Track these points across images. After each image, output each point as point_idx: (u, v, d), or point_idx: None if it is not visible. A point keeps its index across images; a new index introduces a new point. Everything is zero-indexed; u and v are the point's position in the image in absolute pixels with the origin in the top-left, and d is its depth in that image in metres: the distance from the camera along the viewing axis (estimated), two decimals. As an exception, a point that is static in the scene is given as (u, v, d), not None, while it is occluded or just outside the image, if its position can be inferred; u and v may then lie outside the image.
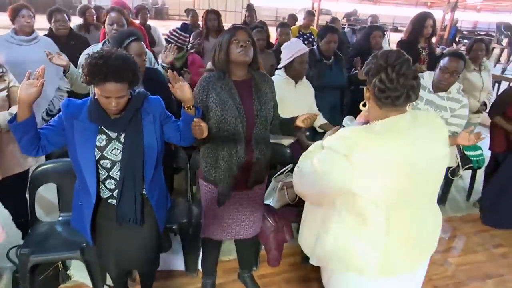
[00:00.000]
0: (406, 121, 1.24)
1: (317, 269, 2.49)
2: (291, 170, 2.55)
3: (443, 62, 2.41)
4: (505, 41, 7.63)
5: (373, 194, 1.23)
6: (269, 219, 2.30)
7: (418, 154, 1.23)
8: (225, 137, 1.79)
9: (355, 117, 1.55)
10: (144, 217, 1.69)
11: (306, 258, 2.55)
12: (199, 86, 1.81)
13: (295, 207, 2.46)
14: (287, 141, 2.71)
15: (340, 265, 1.37)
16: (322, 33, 3.16)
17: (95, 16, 4.69)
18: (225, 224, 1.97)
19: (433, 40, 3.93)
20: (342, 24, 8.01)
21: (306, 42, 5.08)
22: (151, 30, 4.87)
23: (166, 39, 3.14)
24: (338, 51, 3.29)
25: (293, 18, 6.41)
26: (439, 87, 2.46)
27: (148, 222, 1.73)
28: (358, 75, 3.27)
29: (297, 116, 1.92)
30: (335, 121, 3.05)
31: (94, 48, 2.66)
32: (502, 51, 7.29)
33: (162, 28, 4.81)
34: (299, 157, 2.71)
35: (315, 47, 3.24)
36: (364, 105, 1.36)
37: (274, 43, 4.58)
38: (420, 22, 3.57)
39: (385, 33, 3.97)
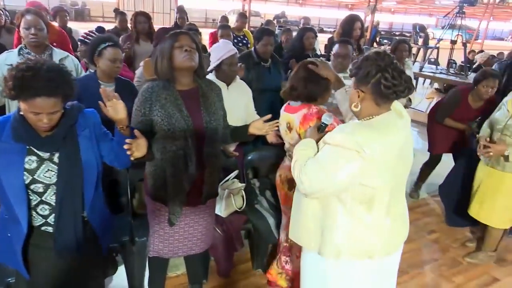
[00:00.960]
0: (396, 117, 1.41)
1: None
2: (237, 177, 2.49)
3: (335, 49, 2.69)
4: (420, 41, 8.39)
5: (380, 182, 1.38)
6: (217, 230, 2.22)
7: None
8: (174, 152, 1.67)
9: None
10: (86, 242, 1.52)
11: (257, 265, 2.54)
12: (141, 98, 1.66)
13: (243, 214, 2.41)
14: (230, 147, 2.65)
15: (352, 255, 1.45)
16: (258, 35, 3.15)
17: (7, 19, 4.21)
18: (177, 242, 1.85)
19: (362, 41, 4.13)
20: (274, 26, 8.15)
21: (240, 44, 5.06)
22: (73, 33, 4.51)
23: (81, 40, 2.90)
24: (274, 54, 3.31)
25: (225, 20, 6.36)
26: (336, 71, 2.62)
27: (90, 247, 1.56)
28: None
29: (250, 123, 1.87)
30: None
31: (9, 55, 2.37)
32: (418, 50, 8.02)
33: (84, 31, 4.47)
34: (242, 163, 2.69)
35: (252, 50, 3.22)
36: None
37: (208, 46, 4.48)
38: (349, 25, 3.72)
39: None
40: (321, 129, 1.61)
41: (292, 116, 1.92)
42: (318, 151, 1.47)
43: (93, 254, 1.60)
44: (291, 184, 1.97)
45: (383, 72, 1.32)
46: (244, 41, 5.12)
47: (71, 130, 1.43)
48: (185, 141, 1.65)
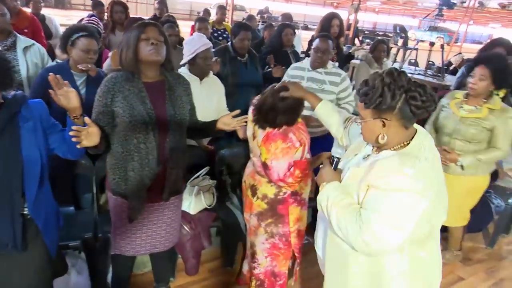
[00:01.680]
0: (420, 130, 1.27)
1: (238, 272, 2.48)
2: (207, 173, 2.45)
3: (315, 43, 2.64)
4: (400, 42, 8.47)
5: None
6: (185, 227, 2.18)
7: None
8: (135, 145, 1.61)
9: None
10: (28, 242, 1.43)
11: (226, 262, 2.51)
12: (103, 88, 1.60)
13: (212, 211, 2.37)
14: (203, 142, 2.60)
15: None
16: (235, 30, 3.10)
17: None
18: (139, 239, 1.79)
19: (342, 40, 4.14)
20: (257, 21, 8.10)
21: (220, 38, 5.00)
22: (46, 20, 4.34)
23: None
24: (252, 49, 3.27)
25: (208, 13, 6.27)
26: (316, 66, 2.67)
27: (34, 247, 1.47)
28: (273, 73, 3.29)
29: (218, 119, 1.83)
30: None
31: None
32: (398, 50, 8.09)
33: (64, 19, 4.31)
34: (214, 158, 2.64)
35: (229, 44, 3.17)
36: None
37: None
38: (328, 22, 3.75)
39: (296, 31, 4.07)
40: (335, 165, 1.43)
41: (257, 127, 1.82)
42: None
43: (38, 253, 1.51)
44: (254, 191, 1.95)
45: (409, 92, 1.18)
46: (225, 35, 5.06)
47: (12, 122, 1.34)
48: (147, 134, 1.60)
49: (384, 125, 1.21)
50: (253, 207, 1.96)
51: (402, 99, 1.18)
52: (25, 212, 1.42)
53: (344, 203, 1.24)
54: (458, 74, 3.62)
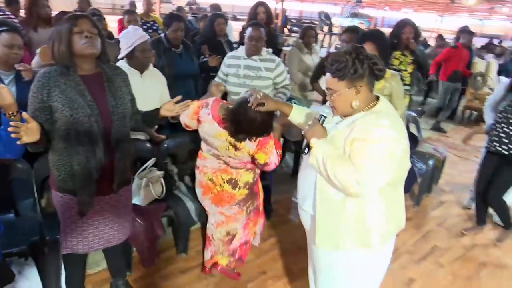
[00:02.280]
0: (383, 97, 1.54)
1: (195, 258, 2.55)
2: (155, 165, 2.46)
3: (248, 32, 2.74)
4: (326, 28, 8.95)
5: (408, 162, 1.52)
6: (137, 219, 2.18)
7: None
8: (79, 139, 1.58)
9: None
10: None
11: (181, 249, 2.55)
12: (37, 84, 1.55)
13: (163, 201, 2.40)
14: (144, 136, 2.60)
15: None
16: (168, 21, 3.10)
17: None
18: (91, 235, 1.78)
19: (272, 26, 4.28)
20: (186, 13, 8.02)
21: (150, 30, 4.91)
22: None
23: None
24: (186, 40, 3.29)
25: (134, 5, 6.08)
26: (250, 53, 2.80)
27: None
28: (209, 62, 3.34)
29: (161, 106, 1.86)
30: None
31: None
32: (324, 36, 8.54)
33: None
34: (158, 149, 2.64)
35: (162, 35, 3.16)
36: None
37: (117, 33, 4.27)
38: (253, 10, 3.87)
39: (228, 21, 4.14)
40: (322, 122, 1.56)
41: None
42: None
43: None
44: (234, 183, 2.09)
45: (372, 60, 1.44)
46: (154, 27, 4.98)
47: None
48: (90, 127, 1.58)
49: (357, 92, 1.45)
50: (234, 198, 2.12)
51: (368, 67, 1.43)
52: None
53: (337, 154, 1.45)
54: None
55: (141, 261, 2.34)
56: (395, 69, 3.77)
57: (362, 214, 1.50)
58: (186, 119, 2.03)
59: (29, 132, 1.37)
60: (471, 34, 5.71)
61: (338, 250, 1.57)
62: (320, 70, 3.65)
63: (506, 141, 2.78)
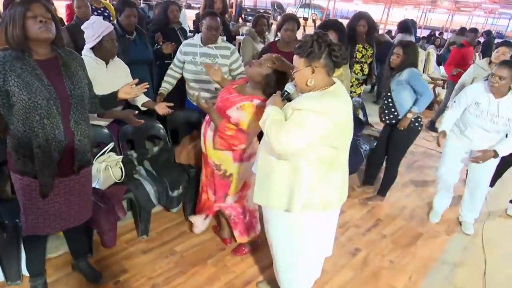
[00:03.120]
0: (341, 85, 1.70)
1: (156, 239, 2.64)
2: (112, 150, 2.51)
3: (206, 21, 2.84)
4: (278, 18, 9.18)
5: (342, 143, 1.67)
6: (97, 202, 2.23)
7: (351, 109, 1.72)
8: (38, 122, 1.62)
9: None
10: None
11: (142, 232, 2.63)
12: None
13: (122, 184, 2.46)
14: (104, 122, 2.62)
15: (314, 208, 1.71)
16: (120, 7, 3.10)
17: None
18: (52, 216, 1.81)
19: (227, 16, 4.36)
20: (138, 0, 7.85)
21: (101, 17, 4.79)
22: None
23: None
24: (138, 26, 3.30)
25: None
26: (208, 42, 2.92)
27: None
28: (163, 49, 3.37)
29: (118, 90, 1.91)
30: (148, 96, 3.12)
31: None
32: (278, 26, 8.80)
33: None
34: (117, 137, 2.68)
35: (115, 22, 3.15)
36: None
37: (65, 19, 4.14)
38: None
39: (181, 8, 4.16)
40: (284, 97, 1.77)
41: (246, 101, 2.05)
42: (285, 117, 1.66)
43: None
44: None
45: (331, 46, 1.60)
46: (106, 14, 4.86)
47: None
48: (49, 109, 1.62)
49: (313, 71, 1.61)
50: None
51: (326, 51, 1.60)
52: None
53: (276, 118, 1.64)
54: None
55: (102, 243, 2.39)
56: (357, 61, 4.07)
57: (291, 178, 1.69)
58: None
59: None
60: (475, 32, 6.02)
61: (270, 209, 1.81)
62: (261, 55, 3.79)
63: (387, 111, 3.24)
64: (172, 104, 2.56)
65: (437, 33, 13.00)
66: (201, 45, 2.90)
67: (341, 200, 1.80)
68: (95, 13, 4.71)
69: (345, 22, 3.93)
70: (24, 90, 1.57)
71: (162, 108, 2.53)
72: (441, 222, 3.32)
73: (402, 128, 3.13)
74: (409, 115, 3.08)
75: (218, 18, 2.87)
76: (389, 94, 3.17)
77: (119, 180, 2.45)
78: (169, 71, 3.07)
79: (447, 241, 3.07)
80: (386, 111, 3.23)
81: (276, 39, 4.06)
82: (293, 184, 1.69)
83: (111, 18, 4.80)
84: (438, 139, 3.00)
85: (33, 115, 1.61)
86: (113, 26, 2.45)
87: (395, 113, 3.17)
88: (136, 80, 1.96)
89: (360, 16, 4.02)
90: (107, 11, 4.92)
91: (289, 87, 1.77)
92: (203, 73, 2.86)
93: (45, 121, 1.63)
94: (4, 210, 2.07)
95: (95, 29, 2.36)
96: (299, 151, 1.60)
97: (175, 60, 3.03)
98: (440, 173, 3.18)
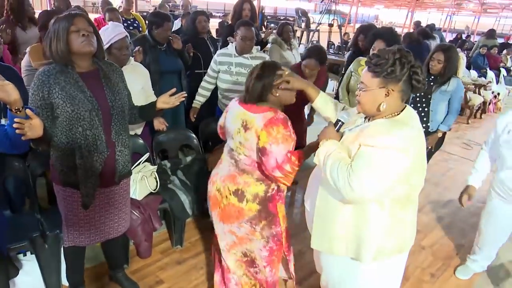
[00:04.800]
0: (410, 108, 1.47)
1: (190, 249, 2.62)
2: (147, 160, 2.52)
3: (241, 32, 2.81)
4: (303, 25, 9.13)
5: (419, 180, 1.44)
6: (134, 212, 2.24)
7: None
8: (81, 133, 1.64)
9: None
10: None
11: (176, 242, 2.62)
12: (37, 82, 1.59)
13: (157, 195, 2.46)
14: (138, 130, 2.65)
15: (388, 254, 1.49)
16: (157, 20, 3.09)
17: None
18: (93, 228, 1.83)
19: (256, 25, 4.37)
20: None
21: (131, 28, 4.90)
22: None
23: None
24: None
25: (107, 3, 6.01)
26: (242, 51, 2.90)
27: None
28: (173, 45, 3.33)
29: (157, 99, 1.92)
30: (179, 106, 3.14)
31: None
32: (302, 33, 8.71)
33: None
34: (151, 145, 2.70)
35: (146, 33, 3.19)
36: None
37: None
38: (239, 7, 3.94)
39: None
40: (338, 128, 1.54)
41: (252, 115, 1.72)
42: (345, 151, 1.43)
43: None
44: (241, 195, 1.79)
45: (413, 68, 1.36)
46: (135, 25, 4.96)
47: None
48: (91, 121, 1.64)
49: (387, 95, 1.38)
50: (243, 213, 1.80)
51: (408, 73, 1.37)
52: None
53: (339, 156, 1.39)
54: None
55: (138, 254, 2.39)
56: None
57: (358, 223, 1.46)
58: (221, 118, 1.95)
59: (33, 128, 1.41)
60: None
61: (331, 255, 1.57)
62: None
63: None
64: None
65: (463, 36, 12.68)
66: (236, 54, 2.89)
67: (413, 237, 1.58)
68: (125, 24, 4.82)
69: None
70: (68, 102, 1.60)
71: (158, 123, 2.53)
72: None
73: (430, 147, 3.04)
74: (439, 134, 3.01)
75: (253, 28, 2.86)
76: (423, 100, 3.04)
77: (154, 190, 2.46)
78: (203, 83, 3.06)
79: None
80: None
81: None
82: (361, 230, 1.46)
83: (141, 29, 4.89)
84: (462, 197, 2.41)
85: (76, 126, 1.63)
86: (125, 34, 2.37)
87: (427, 122, 3.04)
88: (174, 90, 1.97)
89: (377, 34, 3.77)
90: (137, 22, 5.03)
91: (343, 116, 1.54)
92: (238, 82, 2.85)
93: (88, 132, 1.65)
94: (45, 220, 2.10)
95: (105, 35, 2.31)
96: (374, 197, 1.35)
97: (209, 71, 3.02)
98: (482, 242, 2.52)
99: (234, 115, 1.79)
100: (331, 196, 1.50)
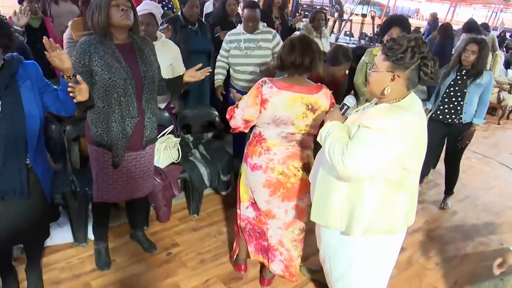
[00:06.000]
0: (414, 94, 1.50)
1: (206, 219, 2.80)
2: (171, 133, 2.69)
3: (244, 13, 2.95)
4: (336, 14, 9.05)
5: (415, 164, 1.48)
6: (156, 178, 2.42)
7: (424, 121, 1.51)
8: (116, 99, 1.81)
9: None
10: (30, 189, 1.63)
11: (193, 211, 2.80)
12: (79, 50, 1.78)
13: (179, 165, 2.64)
14: (162, 105, 2.82)
15: (378, 232, 1.55)
16: None
17: None
18: (120, 186, 2.01)
19: (287, 10, 4.43)
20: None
21: (166, 8, 5.07)
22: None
23: None
24: (200, 18, 3.47)
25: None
26: (249, 31, 3.01)
27: (34, 193, 1.67)
28: (220, 37, 3.49)
29: (183, 73, 2.07)
30: (204, 84, 3.30)
31: None
32: (334, 22, 8.65)
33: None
34: (175, 120, 2.86)
35: (179, 14, 3.34)
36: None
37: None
38: None
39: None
40: (344, 111, 1.62)
41: (314, 96, 1.81)
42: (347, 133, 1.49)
43: (38, 199, 1.72)
44: (308, 168, 1.92)
45: (424, 60, 1.38)
46: (170, 5, 5.14)
47: (12, 81, 1.51)
48: (125, 88, 1.81)
49: (392, 79, 1.42)
50: (307, 183, 1.88)
51: (417, 63, 1.39)
52: (27, 162, 1.60)
53: (338, 135, 1.47)
54: None
55: (157, 218, 2.59)
56: None
57: (352, 199, 1.54)
58: (246, 111, 1.84)
59: (81, 92, 1.61)
60: None
61: (328, 228, 1.65)
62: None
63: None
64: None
65: (507, 35, 12.11)
66: (244, 32, 3.02)
67: (407, 223, 1.61)
68: (160, 4, 5.00)
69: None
70: (106, 70, 1.77)
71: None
72: (495, 230, 3.17)
73: (467, 142, 3.09)
74: (474, 128, 3.07)
75: (257, 9, 2.97)
76: (459, 94, 3.05)
77: (176, 160, 2.64)
78: (218, 63, 3.19)
79: (500, 249, 2.94)
80: (452, 111, 3.09)
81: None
82: (354, 206, 1.54)
83: (175, 10, 5.06)
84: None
85: (111, 93, 1.80)
86: (152, 11, 2.46)
87: (460, 114, 3.07)
88: (200, 65, 2.11)
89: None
90: (171, 3, 5.19)
91: (349, 100, 1.62)
92: (248, 56, 3.00)
93: (122, 99, 1.82)
94: (76, 179, 2.32)
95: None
96: (366, 175, 1.41)
97: (221, 51, 3.15)
98: None
99: (285, 102, 1.78)
100: (329, 173, 1.58)
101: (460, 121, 3.08)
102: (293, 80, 1.83)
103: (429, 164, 3.55)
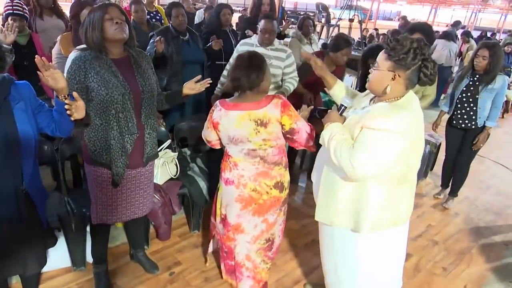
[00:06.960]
0: (412, 93, 1.55)
1: (207, 234, 2.71)
2: (169, 147, 2.62)
3: (262, 24, 2.84)
4: (323, 20, 9.10)
5: (415, 161, 1.56)
6: (155, 196, 2.34)
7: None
8: (114, 116, 1.74)
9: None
10: (27, 214, 1.54)
11: (194, 227, 2.72)
12: (74, 66, 1.70)
13: (177, 180, 2.56)
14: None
15: (383, 227, 1.60)
16: (168, 11, 3.23)
17: None
18: (120, 207, 1.93)
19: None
20: (191, 4, 8.12)
21: (154, 20, 5.01)
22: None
23: (10, 13, 2.76)
24: (190, 27, 3.41)
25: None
26: (264, 45, 2.93)
27: (31, 219, 1.58)
28: (213, 46, 3.42)
29: (183, 86, 2.01)
30: (200, 95, 3.22)
31: None
32: (322, 28, 8.69)
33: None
34: (172, 133, 2.79)
35: (169, 25, 3.28)
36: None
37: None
38: (259, 0, 3.99)
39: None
40: (342, 111, 1.65)
41: (261, 111, 1.78)
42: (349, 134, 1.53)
43: (34, 225, 1.63)
44: (281, 186, 1.94)
45: (425, 62, 1.43)
46: (158, 17, 5.08)
47: (5, 103, 1.43)
48: (124, 104, 1.74)
49: (393, 79, 1.46)
50: (280, 200, 1.97)
51: (418, 65, 1.44)
52: (22, 188, 1.51)
53: (342, 137, 1.51)
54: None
55: (157, 236, 2.50)
56: None
57: (358, 198, 1.58)
58: (205, 133, 2.01)
59: (78, 109, 1.53)
60: None
61: (333, 227, 1.70)
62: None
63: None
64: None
65: (488, 34, 12.38)
66: (258, 45, 2.94)
67: (409, 213, 1.68)
68: (148, 16, 4.93)
69: (388, 23, 3.83)
70: (102, 86, 1.70)
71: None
72: (498, 231, 3.16)
73: (482, 145, 3.11)
74: (488, 132, 3.09)
75: (274, 22, 2.89)
76: (471, 100, 3.07)
77: (174, 175, 2.56)
78: (225, 72, 3.11)
79: (505, 251, 2.92)
80: (466, 116, 3.12)
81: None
82: (360, 204, 1.58)
83: (163, 21, 5.00)
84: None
85: (109, 109, 1.73)
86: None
87: (476, 120, 3.09)
88: (199, 76, 2.05)
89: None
90: (159, 14, 5.14)
91: (345, 101, 1.65)
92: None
93: (120, 115, 1.75)
94: (72, 200, 2.22)
95: None
96: (374, 175, 1.47)
97: (231, 60, 3.08)
98: None
99: (234, 121, 1.80)
100: (334, 174, 1.62)
101: (477, 125, 3.10)
102: (242, 98, 1.83)
103: (452, 168, 3.49)
